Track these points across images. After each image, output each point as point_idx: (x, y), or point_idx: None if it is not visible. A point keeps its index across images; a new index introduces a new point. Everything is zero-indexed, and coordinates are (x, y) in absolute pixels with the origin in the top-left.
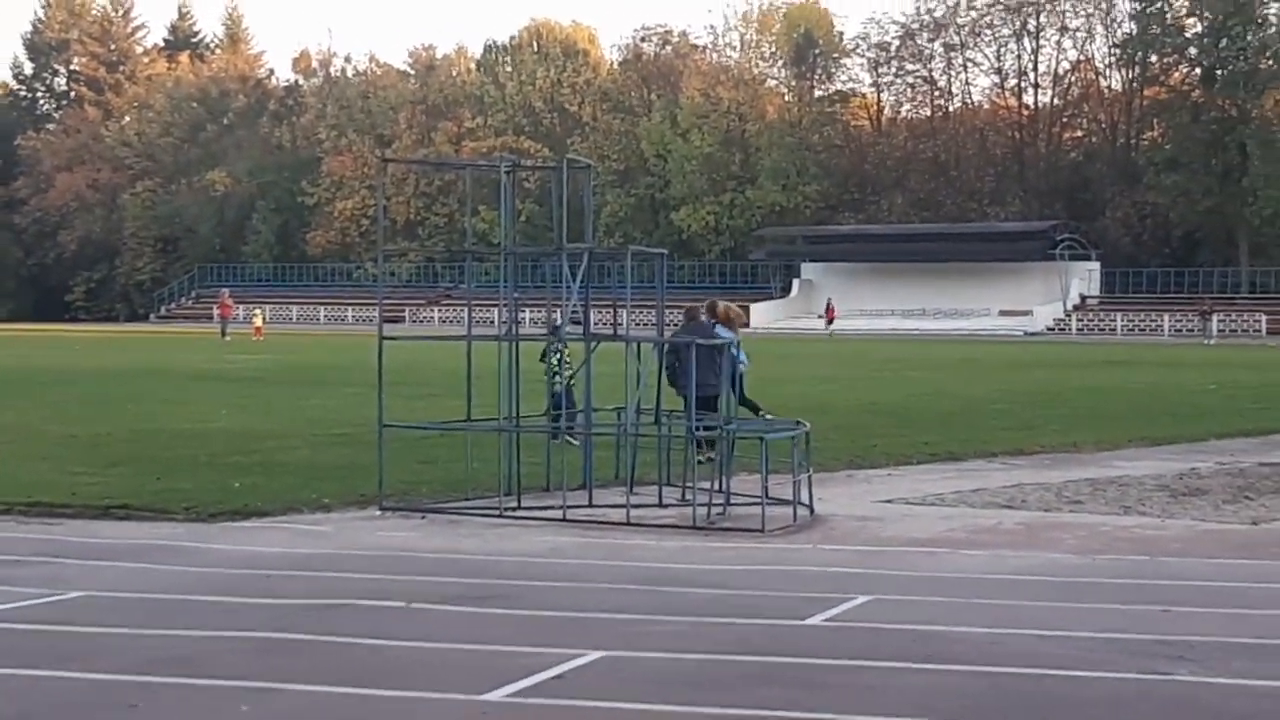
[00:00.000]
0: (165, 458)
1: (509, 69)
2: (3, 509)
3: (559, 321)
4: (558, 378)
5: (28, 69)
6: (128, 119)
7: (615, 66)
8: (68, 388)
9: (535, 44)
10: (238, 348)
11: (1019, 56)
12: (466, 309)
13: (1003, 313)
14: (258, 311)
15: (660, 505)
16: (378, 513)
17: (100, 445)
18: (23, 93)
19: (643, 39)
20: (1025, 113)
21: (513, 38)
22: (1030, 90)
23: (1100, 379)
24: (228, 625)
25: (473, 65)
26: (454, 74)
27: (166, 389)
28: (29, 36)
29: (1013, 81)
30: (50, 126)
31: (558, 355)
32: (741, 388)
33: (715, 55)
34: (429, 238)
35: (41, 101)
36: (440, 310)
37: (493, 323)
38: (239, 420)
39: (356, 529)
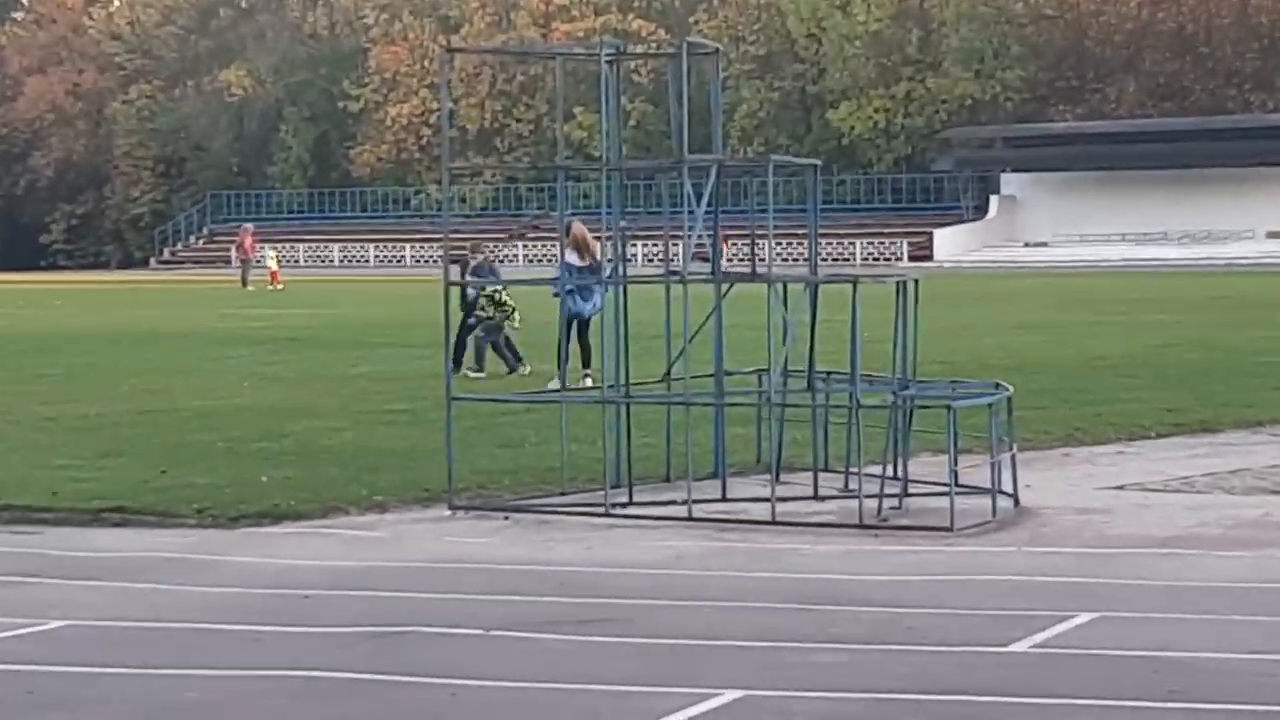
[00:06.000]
0: (172, 445)
1: None
2: None
3: (478, 261)
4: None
5: None
6: (117, 3)
7: None
8: (46, 357)
9: None
10: (263, 299)
11: None
12: (559, 244)
13: (1271, 234)
14: (271, 252)
15: (816, 498)
16: (446, 513)
17: (89, 430)
18: None
19: None
20: None
21: None
22: None
23: None
24: (255, 662)
25: None
26: None
27: (172, 356)
28: None
29: None
30: (17, 16)
31: (491, 300)
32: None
33: None
34: (509, 151)
35: None
36: (525, 246)
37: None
38: (266, 395)
39: (419, 534)
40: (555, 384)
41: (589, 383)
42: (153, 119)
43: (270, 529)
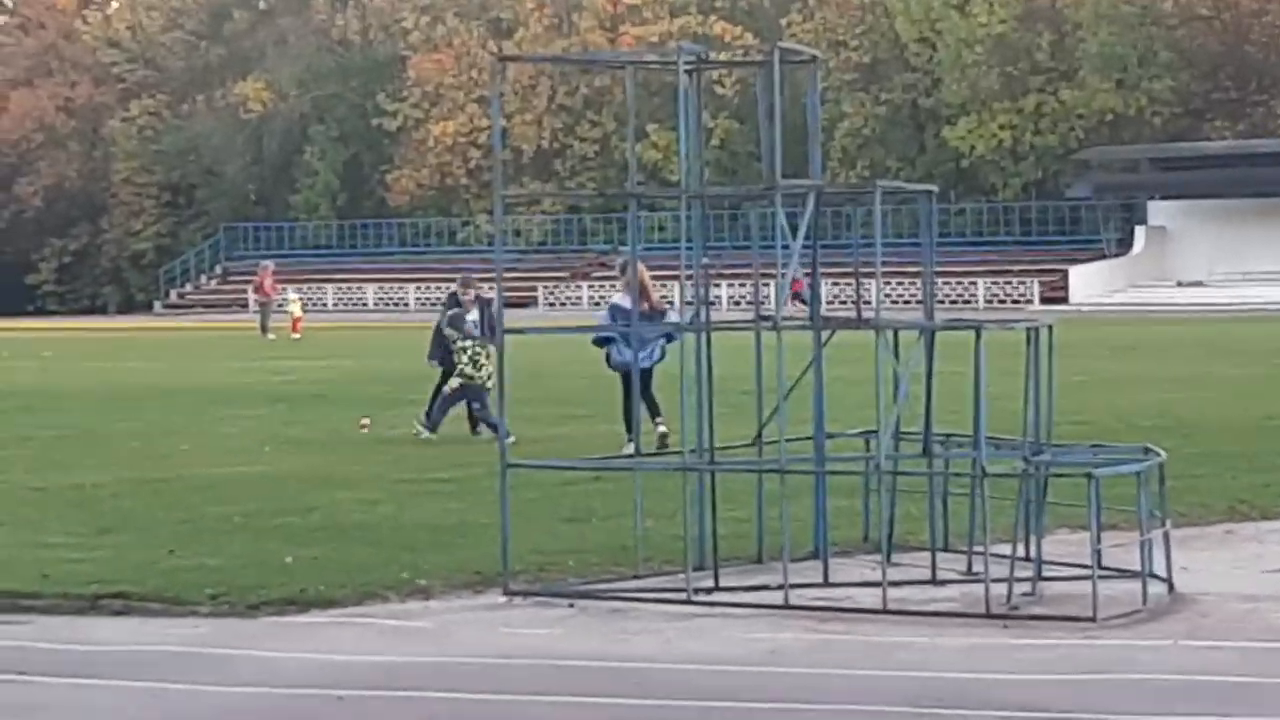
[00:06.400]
0: (180, 520)
1: None
2: None
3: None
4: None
5: None
6: (115, 5)
7: None
8: (34, 416)
9: None
10: (284, 349)
11: None
12: (630, 283)
13: None
14: (294, 295)
15: (934, 582)
16: (501, 599)
17: (86, 503)
18: None
19: None
20: None
21: None
22: None
23: None
24: None
25: None
26: None
27: (180, 415)
28: None
29: None
30: (0, 19)
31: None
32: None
33: None
34: (571, 175)
35: None
36: (590, 287)
37: (671, 303)
38: (290, 460)
39: (470, 625)
40: (630, 449)
41: (662, 429)
42: (157, 139)
43: (296, 618)
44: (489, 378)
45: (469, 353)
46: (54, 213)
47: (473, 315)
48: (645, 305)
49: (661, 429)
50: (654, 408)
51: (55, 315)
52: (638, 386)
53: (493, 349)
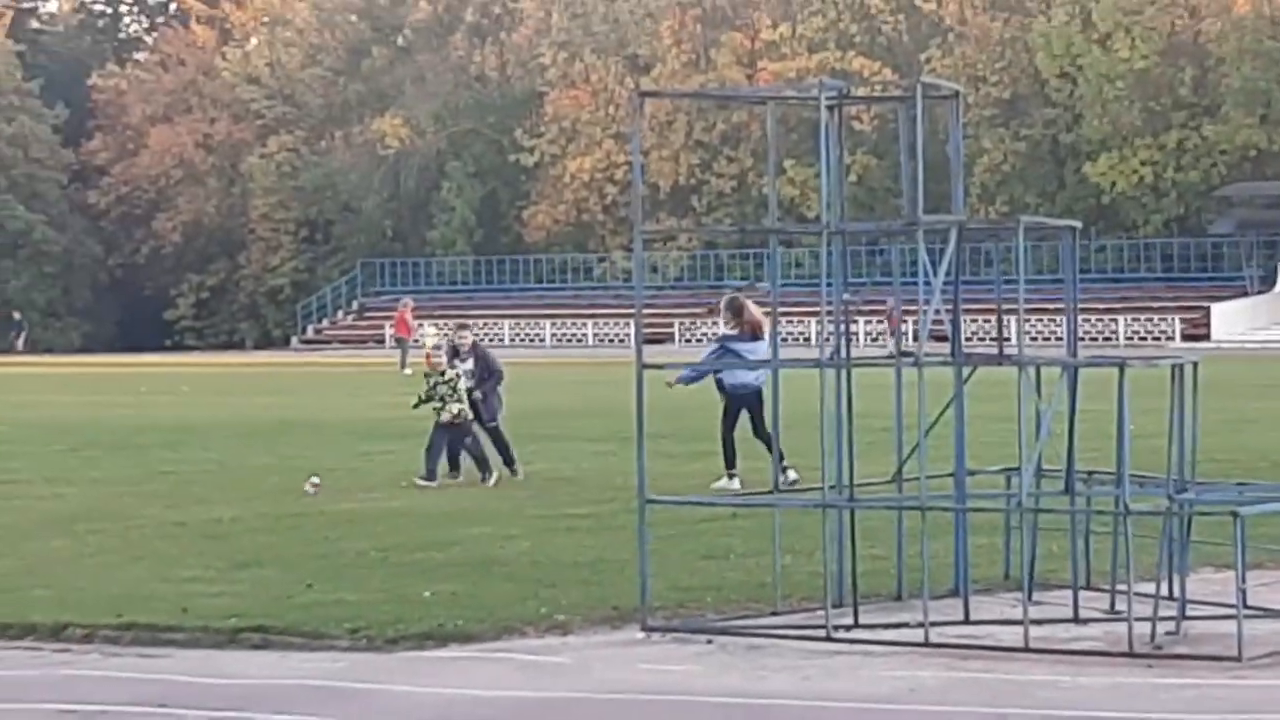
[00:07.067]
0: (319, 555)
1: None
2: (83, 633)
3: (452, 344)
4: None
5: None
6: (255, 42)
7: None
8: (172, 451)
9: None
10: (422, 385)
11: None
12: (771, 319)
13: None
14: (432, 329)
15: (1076, 620)
16: (639, 635)
17: (224, 536)
18: (99, 8)
19: None
20: None
21: None
22: None
23: None
24: None
25: None
26: None
27: (318, 450)
28: None
29: None
30: (140, 57)
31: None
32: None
33: None
34: (708, 211)
35: (127, 20)
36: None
37: (809, 339)
38: (427, 497)
39: (608, 661)
40: (736, 484)
41: (793, 476)
42: (295, 175)
43: (433, 653)
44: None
45: (454, 385)
46: (192, 248)
47: (468, 365)
48: (755, 333)
49: (792, 475)
50: (770, 446)
51: (193, 350)
52: (745, 417)
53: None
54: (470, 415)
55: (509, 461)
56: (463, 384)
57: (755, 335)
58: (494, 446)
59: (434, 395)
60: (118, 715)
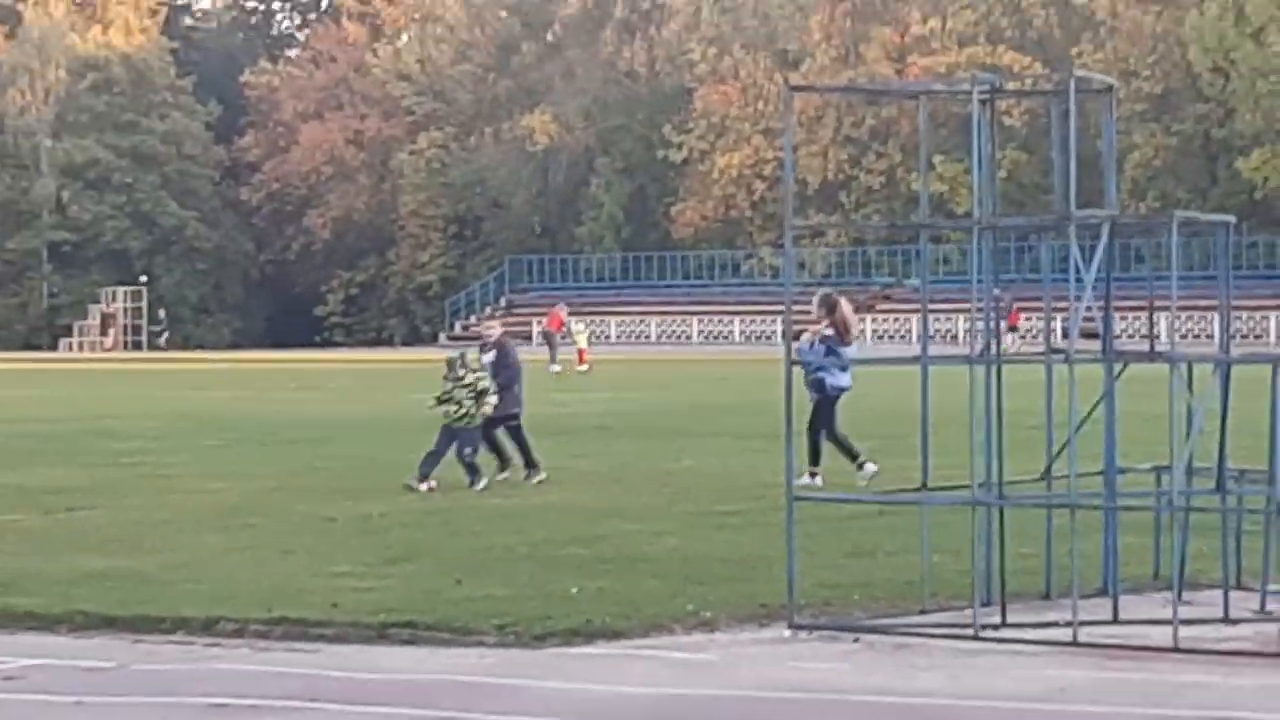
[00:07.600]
0: (468, 550)
1: None
2: (234, 628)
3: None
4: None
5: None
6: (405, 38)
7: None
8: (323, 447)
9: None
10: (570, 382)
11: None
12: (920, 316)
13: None
14: (581, 326)
15: (1226, 620)
16: (786, 633)
17: (373, 532)
18: (252, 5)
19: None
20: None
21: None
22: None
23: None
24: None
25: None
26: None
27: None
28: None
29: None
30: (292, 53)
31: (465, 383)
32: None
33: None
34: (856, 208)
35: (279, 17)
36: (876, 319)
37: (957, 336)
38: (575, 492)
39: (755, 658)
40: (819, 481)
41: (871, 469)
42: (444, 172)
43: (581, 649)
44: (477, 414)
45: (473, 387)
46: (342, 245)
47: (489, 355)
48: (850, 337)
49: (870, 468)
50: (849, 447)
51: (341, 346)
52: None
53: (491, 385)
54: (491, 409)
55: (530, 463)
56: (486, 383)
57: (843, 337)
58: (515, 445)
59: (451, 398)
60: (268, 710)
